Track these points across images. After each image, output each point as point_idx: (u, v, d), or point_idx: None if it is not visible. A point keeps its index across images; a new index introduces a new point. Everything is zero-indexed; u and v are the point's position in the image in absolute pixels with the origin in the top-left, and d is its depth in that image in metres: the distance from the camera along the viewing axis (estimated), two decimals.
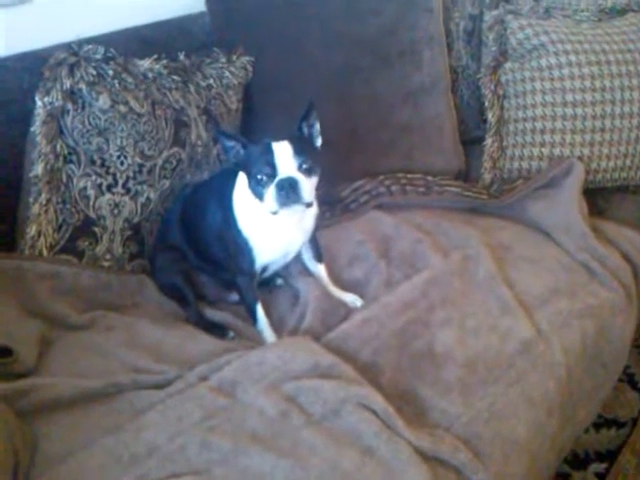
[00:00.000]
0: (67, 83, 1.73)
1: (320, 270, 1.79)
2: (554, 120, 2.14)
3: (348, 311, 1.70)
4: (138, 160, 1.82)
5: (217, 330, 1.67)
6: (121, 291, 1.78)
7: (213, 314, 1.74)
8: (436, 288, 1.72)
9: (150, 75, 1.90)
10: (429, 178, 2.19)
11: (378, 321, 1.60)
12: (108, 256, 1.81)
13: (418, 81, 2.29)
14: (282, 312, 1.75)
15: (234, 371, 1.42)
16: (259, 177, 1.51)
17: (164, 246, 1.83)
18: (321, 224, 1.81)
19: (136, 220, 1.85)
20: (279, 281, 1.85)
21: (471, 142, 2.39)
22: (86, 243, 1.78)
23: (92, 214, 1.78)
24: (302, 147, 1.53)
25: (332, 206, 2.07)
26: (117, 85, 1.81)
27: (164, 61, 1.94)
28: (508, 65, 2.23)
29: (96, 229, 1.79)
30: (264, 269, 1.72)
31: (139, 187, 1.83)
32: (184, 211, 1.81)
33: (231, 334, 1.67)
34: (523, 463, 1.42)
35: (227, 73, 2.09)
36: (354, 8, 2.26)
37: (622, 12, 2.31)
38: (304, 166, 1.51)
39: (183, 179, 1.94)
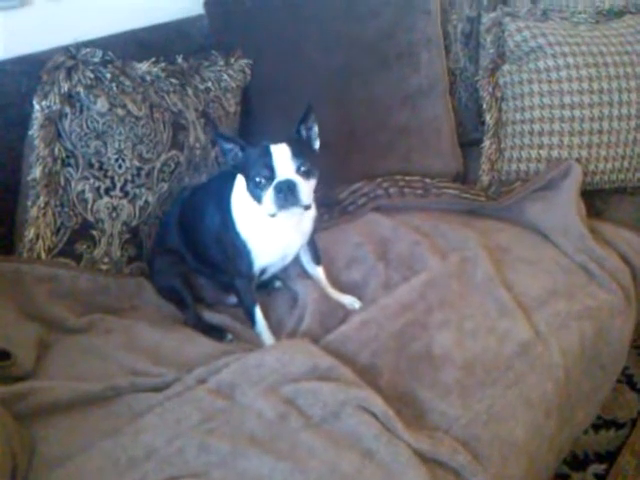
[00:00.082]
0: (65, 86, 1.73)
1: (318, 272, 1.79)
2: (552, 122, 2.14)
3: (346, 313, 1.70)
4: (136, 163, 1.82)
5: (215, 333, 1.67)
6: (119, 294, 1.78)
7: (211, 317, 1.74)
8: (434, 290, 1.72)
9: (148, 78, 1.90)
10: (427, 180, 2.19)
11: (376, 323, 1.60)
12: (106, 259, 1.81)
13: (416, 83, 2.29)
14: (280, 314, 1.75)
15: (232, 374, 1.42)
16: (257, 179, 1.51)
17: (162, 249, 1.83)
18: (319, 226, 1.81)
19: (134, 223, 1.85)
20: (277, 283, 1.85)
21: (469, 144, 2.40)
22: (84, 246, 1.78)
23: (90, 217, 1.78)
24: (300, 150, 1.53)
25: (330, 208, 2.07)
26: (115, 88, 1.81)
27: (162, 64, 1.94)
28: (506, 67, 2.24)
29: (94, 232, 1.79)
30: (262, 271, 1.72)
31: (137, 190, 1.83)
32: (182, 214, 1.81)
33: (229, 337, 1.67)
34: (522, 465, 1.42)
35: (225, 76, 2.09)
36: (352, 10, 2.26)
37: (619, 14, 2.31)
38: (302, 168, 1.51)
39: (181, 182, 1.94)
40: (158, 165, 1.87)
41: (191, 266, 1.79)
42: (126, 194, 1.82)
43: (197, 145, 1.98)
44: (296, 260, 1.78)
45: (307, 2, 2.26)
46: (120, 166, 1.80)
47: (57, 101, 1.73)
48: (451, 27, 2.43)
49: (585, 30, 2.23)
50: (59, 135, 1.74)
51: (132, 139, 1.81)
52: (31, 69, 1.76)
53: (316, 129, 1.62)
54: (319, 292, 1.74)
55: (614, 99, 2.12)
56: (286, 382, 1.39)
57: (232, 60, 2.13)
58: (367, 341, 1.56)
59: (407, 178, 2.19)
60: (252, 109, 2.21)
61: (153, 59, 1.93)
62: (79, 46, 1.81)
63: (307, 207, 1.54)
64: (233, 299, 1.78)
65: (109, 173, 1.79)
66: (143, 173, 1.84)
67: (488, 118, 2.25)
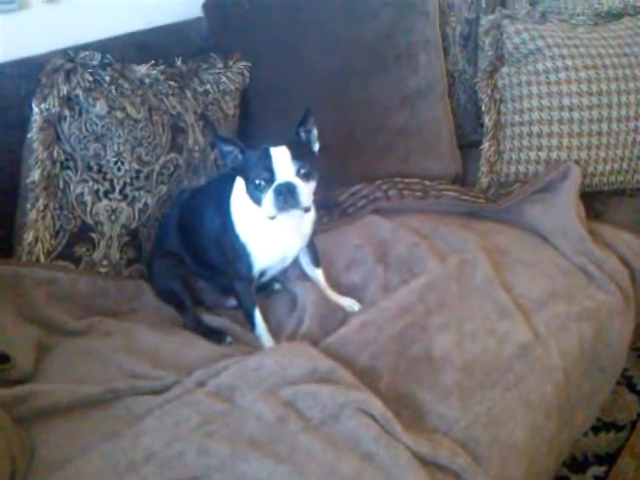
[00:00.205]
0: (64, 89, 1.74)
1: (318, 275, 1.79)
2: (551, 124, 2.14)
3: (346, 316, 1.70)
4: (135, 166, 1.82)
5: (215, 335, 1.67)
6: (118, 297, 1.78)
7: (211, 319, 1.74)
8: (433, 292, 1.72)
9: (147, 81, 1.90)
10: (426, 182, 2.20)
11: (376, 325, 1.60)
12: (105, 262, 1.81)
13: (414, 85, 2.29)
14: (280, 317, 1.75)
15: (232, 376, 1.42)
16: (257, 182, 1.51)
17: (162, 252, 1.83)
18: (319, 229, 1.81)
19: (133, 226, 1.85)
20: (277, 286, 1.85)
21: (468, 146, 2.40)
22: (83, 249, 1.78)
23: (89, 220, 1.78)
24: (300, 152, 1.53)
25: (330, 210, 2.07)
26: (114, 91, 1.81)
27: (161, 67, 1.95)
28: (505, 69, 2.24)
29: (93, 235, 1.79)
30: (262, 274, 1.72)
31: (136, 193, 1.83)
32: (182, 216, 1.81)
33: (229, 339, 1.67)
34: (521, 467, 1.41)
35: (224, 78, 2.09)
36: (351, 12, 2.26)
37: (618, 16, 2.31)
38: (302, 171, 1.51)
39: (180, 185, 1.94)
40: (157, 168, 1.87)
41: (190, 269, 1.79)
42: (125, 197, 1.82)
43: (196, 148, 1.98)
44: (295, 262, 1.78)
45: (306, 4, 2.26)
46: (119, 169, 1.80)
47: (56, 104, 1.73)
48: (450, 29, 2.44)
49: (584, 32, 2.24)
50: (58, 138, 1.74)
51: (131, 142, 1.81)
52: (30, 72, 1.76)
53: (315, 132, 1.62)
54: (318, 294, 1.74)
55: (613, 101, 2.12)
56: (285, 385, 1.39)
57: (231, 62, 2.13)
58: (366, 343, 1.56)
59: (406, 180, 2.20)
60: (251, 112, 2.21)
61: (152, 62, 1.93)
62: (78, 49, 1.81)
63: (307, 209, 1.54)
64: (232, 302, 1.78)
65: (108, 176, 1.79)
66: (142, 176, 1.84)
67: (487, 120, 2.25)
